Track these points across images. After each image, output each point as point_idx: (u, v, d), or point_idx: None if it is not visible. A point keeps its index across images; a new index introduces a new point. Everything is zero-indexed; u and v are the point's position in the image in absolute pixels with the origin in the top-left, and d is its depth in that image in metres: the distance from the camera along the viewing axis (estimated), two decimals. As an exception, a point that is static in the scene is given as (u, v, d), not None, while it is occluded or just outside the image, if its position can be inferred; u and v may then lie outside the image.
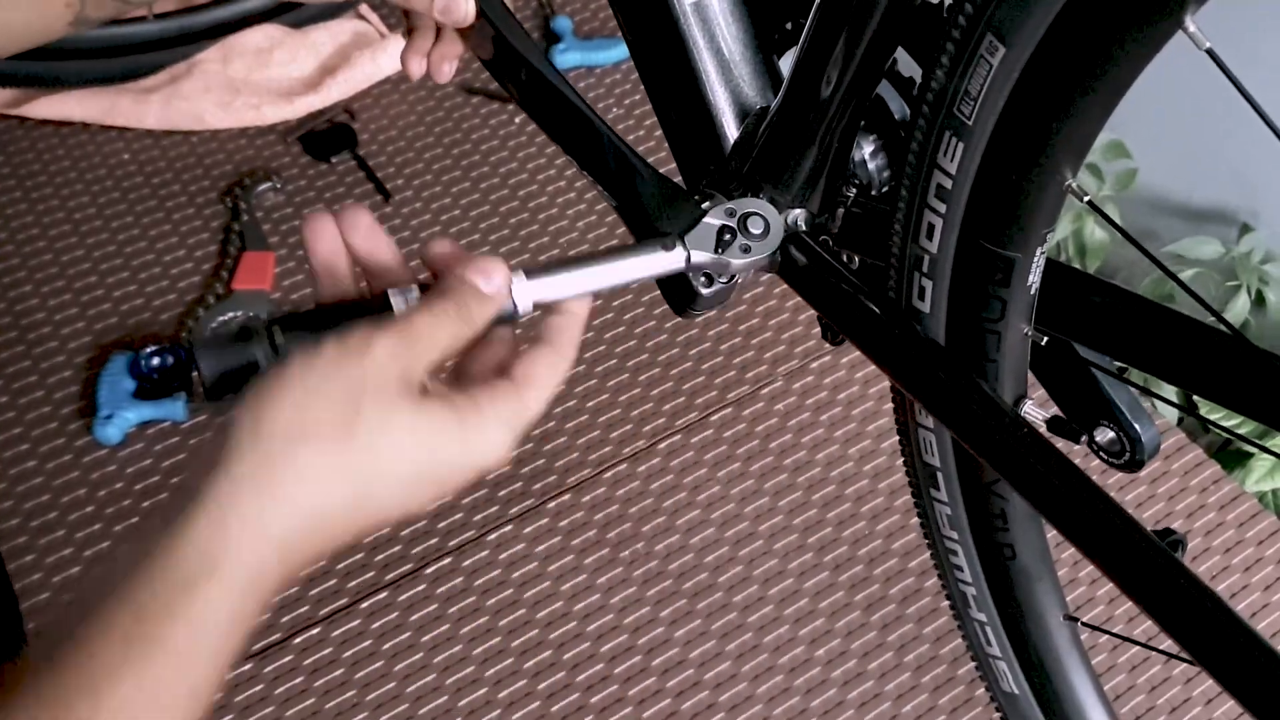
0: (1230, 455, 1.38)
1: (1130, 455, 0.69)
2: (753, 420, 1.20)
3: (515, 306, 0.58)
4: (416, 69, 0.82)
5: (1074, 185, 0.59)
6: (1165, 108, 1.27)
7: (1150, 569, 0.54)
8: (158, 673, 0.45)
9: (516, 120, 1.46)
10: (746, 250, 0.68)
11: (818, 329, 1.27)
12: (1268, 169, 1.45)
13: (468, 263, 0.56)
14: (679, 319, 1.27)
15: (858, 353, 1.24)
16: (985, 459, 0.64)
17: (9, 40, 0.67)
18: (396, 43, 1.49)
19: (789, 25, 0.80)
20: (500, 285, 0.57)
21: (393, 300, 0.55)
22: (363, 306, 0.56)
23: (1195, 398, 1.43)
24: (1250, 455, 1.40)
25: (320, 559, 0.50)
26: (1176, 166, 1.51)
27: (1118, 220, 1.51)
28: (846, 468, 1.18)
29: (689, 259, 0.67)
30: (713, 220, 0.68)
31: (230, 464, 0.48)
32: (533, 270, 0.60)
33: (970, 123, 0.59)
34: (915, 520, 1.14)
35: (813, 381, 1.24)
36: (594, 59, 1.52)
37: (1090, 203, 0.60)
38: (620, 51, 1.53)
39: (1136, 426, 0.68)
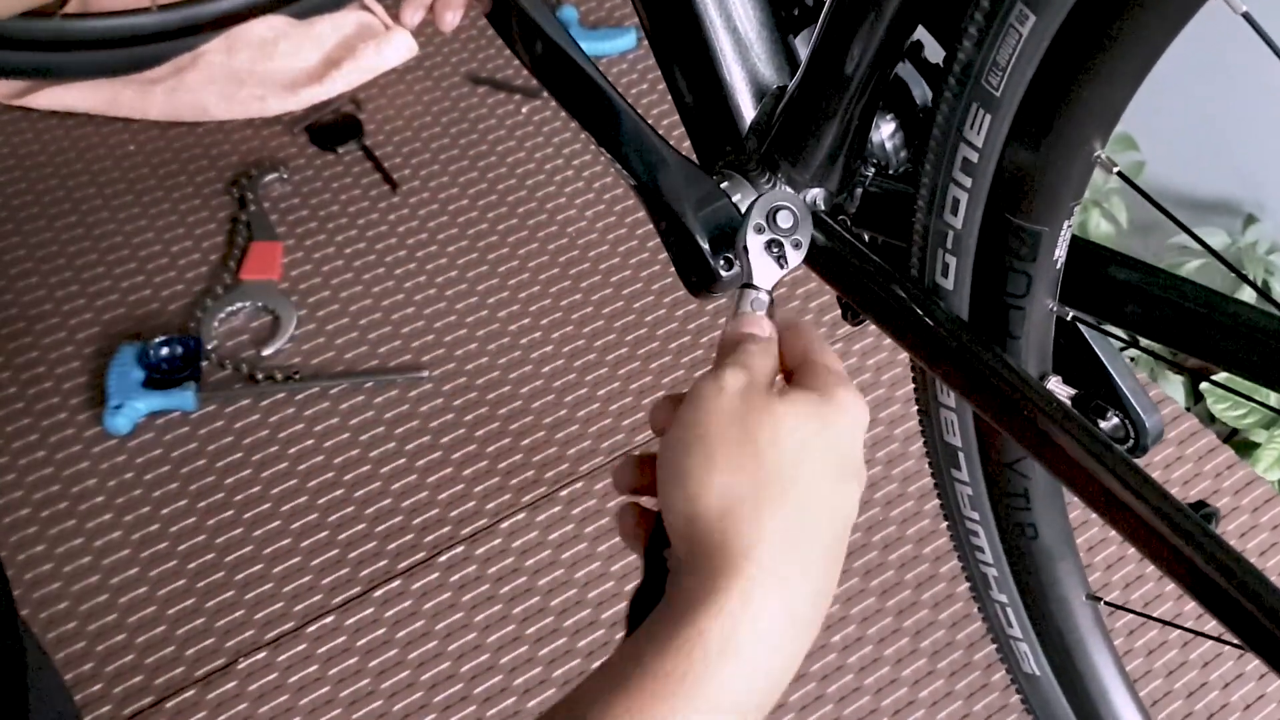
0: (1237, 445, 1.38)
1: (1135, 441, 0.68)
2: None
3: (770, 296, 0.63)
4: (410, 19, 0.80)
5: (1103, 156, 0.59)
6: (1171, 101, 1.27)
7: (1189, 543, 0.53)
8: None
9: (524, 110, 1.45)
10: (798, 245, 0.67)
11: (828, 318, 1.27)
12: (1272, 161, 1.45)
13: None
14: (690, 305, 1.27)
15: (870, 339, 1.25)
16: (1014, 436, 0.64)
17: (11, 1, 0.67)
18: (401, 34, 1.48)
19: (802, 5, 0.79)
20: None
21: (747, 304, 0.62)
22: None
23: (1202, 387, 1.43)
24: (1257, 445, 1.40)
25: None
26: (1181, 159, 1.51)
27: (1121, 221, 1.50)
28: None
29: (771, 292, 0.65)
30: (754, 243, 0.65)
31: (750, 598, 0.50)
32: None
33: (998, 94, 0.58)
34: (929, 507, 1.14)
35: (824, 368, 1.23)
36: (600, 49, 1.51)
37: (1120, 173, 0.59)
38: (627, 41, 1.52)
39: (1141, 412, 0.68)
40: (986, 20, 0.57)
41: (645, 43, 1.51)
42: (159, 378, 1.18)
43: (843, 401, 0.55)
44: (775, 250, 0.66)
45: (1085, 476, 0.59)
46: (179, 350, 1.20)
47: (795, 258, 0.66)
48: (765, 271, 0.65)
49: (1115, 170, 0.59)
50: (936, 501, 1.10)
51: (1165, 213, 0.61)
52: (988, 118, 0.60)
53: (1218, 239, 1.47)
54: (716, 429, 0.53)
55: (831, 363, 0.58)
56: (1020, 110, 0.58)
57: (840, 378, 0.57)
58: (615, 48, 1.52)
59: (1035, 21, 0.55)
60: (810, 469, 0.53)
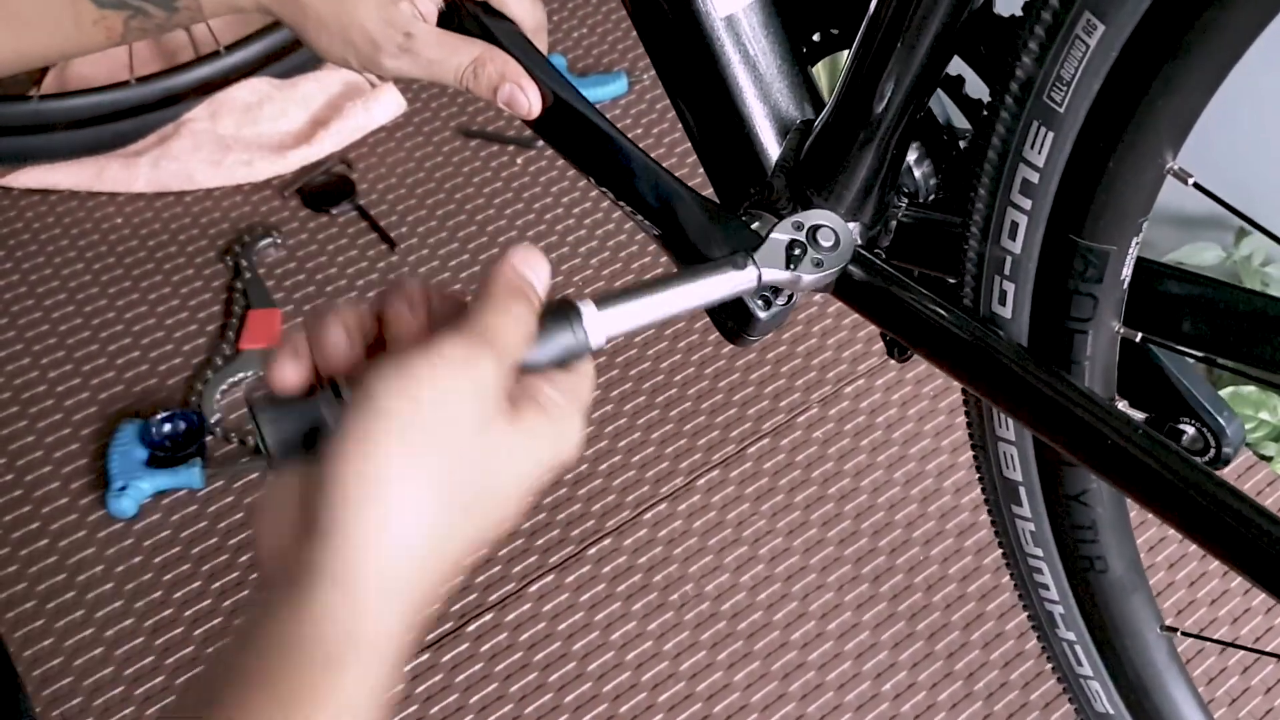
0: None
1: (1215, 451, 0.65)
2: (791, 450, 1.17)
3: (589, 340, 0.54)
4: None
5: (1176, 167, 0.56)
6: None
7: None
8: None
9: (519, 162, 1.42)
10: (819, 264, 0.65)
11: (848, 354, 1.24)
12: (1260, 171, 1.44)
13: (512, 255, 0.52)
14: (706, 349, 1.24)
15: (893, 374, 1.22)
16: (1097, 469, 0.61)
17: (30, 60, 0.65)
18: (389, 92, 1.45)
19: (818, 36, 0.77)
20: (544, 273, 0.53)
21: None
22: None
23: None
24: (1269, 458, 1.37)
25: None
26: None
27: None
28: (894, 493, 1.14)
29: (760, 278, 0.63)
30: (780, 235, 0.65)
31: (348, 525, 0.44)
32: (603, 300, 0.56)
33: (1062, 110, 0.56)
34: (969, 543, 1.10)
35: (849, 406, 1.20)
36: (592, 96, 1.49)
37: (1197, 184, 0.57)
38: (618, 87, 1.50)
39: (1219, 418, 0.65)
40: (1049, 34, 0.54)
41: (638, 88, 1.49)
42: (163, 456, 1.14)
43: (570, 435, 0.50)
44: (796, 252, 0.64)
45: (1184, 506, 0.56)
46: (181, 426, 1.16)
47: (808, 275, 0.63)
48: (773, 260, 0.63)
49: (1191, 182, 0.57)
50: (975, 538, 1.07)
51: (1258, 227, 0.58)
52: (1050, 135, 0.57)
53: (1211, 254, 1.45)
54: (449, 458, 0.46)
55: (587, 367, 0.53)
56: (1086, 125, 0.56)
57: (577, 398, 0.51)
58: (607, 94, 1.50)
59: (1104, 31, 0.52)
60: (501, 506, 0.48)
